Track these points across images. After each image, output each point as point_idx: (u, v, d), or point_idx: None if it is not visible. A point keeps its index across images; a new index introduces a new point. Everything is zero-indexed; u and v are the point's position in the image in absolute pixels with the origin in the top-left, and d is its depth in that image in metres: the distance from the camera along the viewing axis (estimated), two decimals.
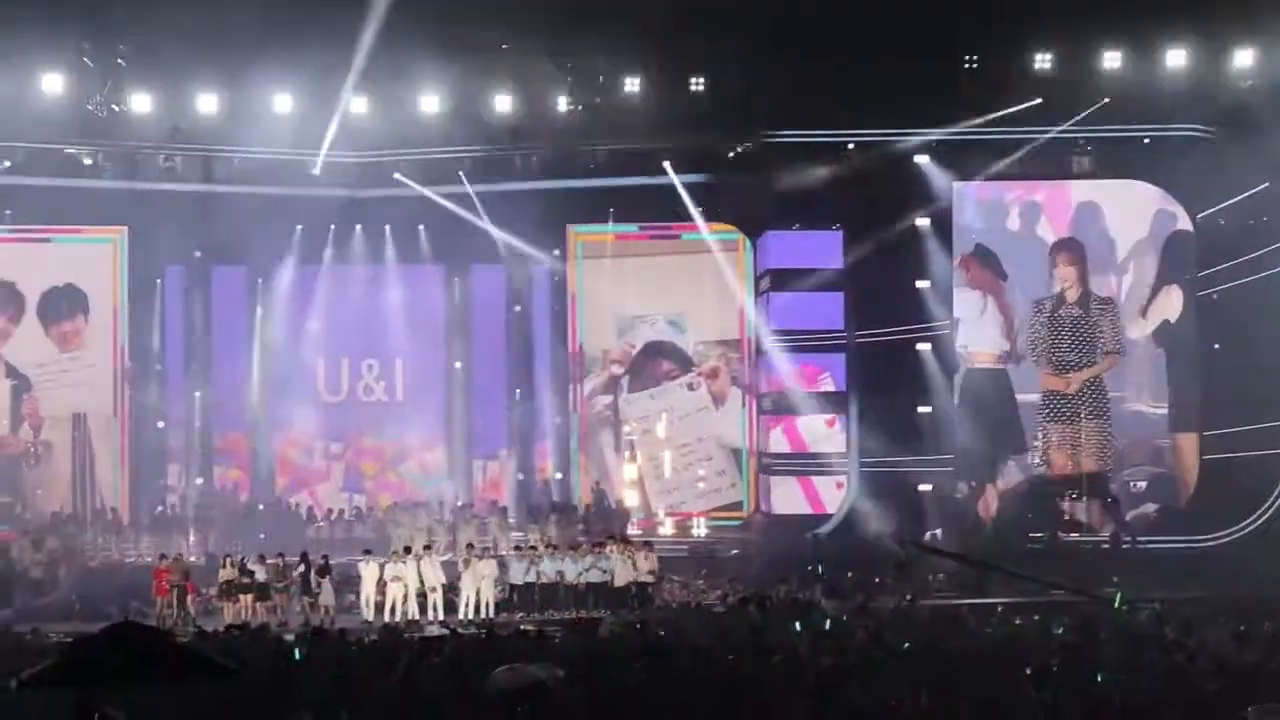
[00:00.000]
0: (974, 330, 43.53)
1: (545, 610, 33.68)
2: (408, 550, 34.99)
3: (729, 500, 45.52)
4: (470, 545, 36.31)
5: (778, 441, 44.71)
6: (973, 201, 43.71)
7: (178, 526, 41.73)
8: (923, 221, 42.92)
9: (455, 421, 46.32)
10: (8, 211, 43.68)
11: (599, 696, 18.32)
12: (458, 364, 46.25)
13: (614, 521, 41.59)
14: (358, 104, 40.56)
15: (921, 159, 42.40)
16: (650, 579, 34.87)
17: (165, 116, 40.92)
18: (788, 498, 44.34)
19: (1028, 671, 18.43)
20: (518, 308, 46.44)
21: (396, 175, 42.80)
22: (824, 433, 44.35)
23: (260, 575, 33.89)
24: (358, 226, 45.00)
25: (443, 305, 46.39)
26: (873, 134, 41.78)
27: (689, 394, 45.92)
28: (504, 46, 40.07)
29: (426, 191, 43.03)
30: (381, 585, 33.58)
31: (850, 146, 42.14)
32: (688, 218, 44.92)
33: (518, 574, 34.59)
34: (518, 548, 36.58)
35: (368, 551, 35.35)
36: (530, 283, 46.52)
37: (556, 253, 46.08)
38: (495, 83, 40.68)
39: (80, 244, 45.00)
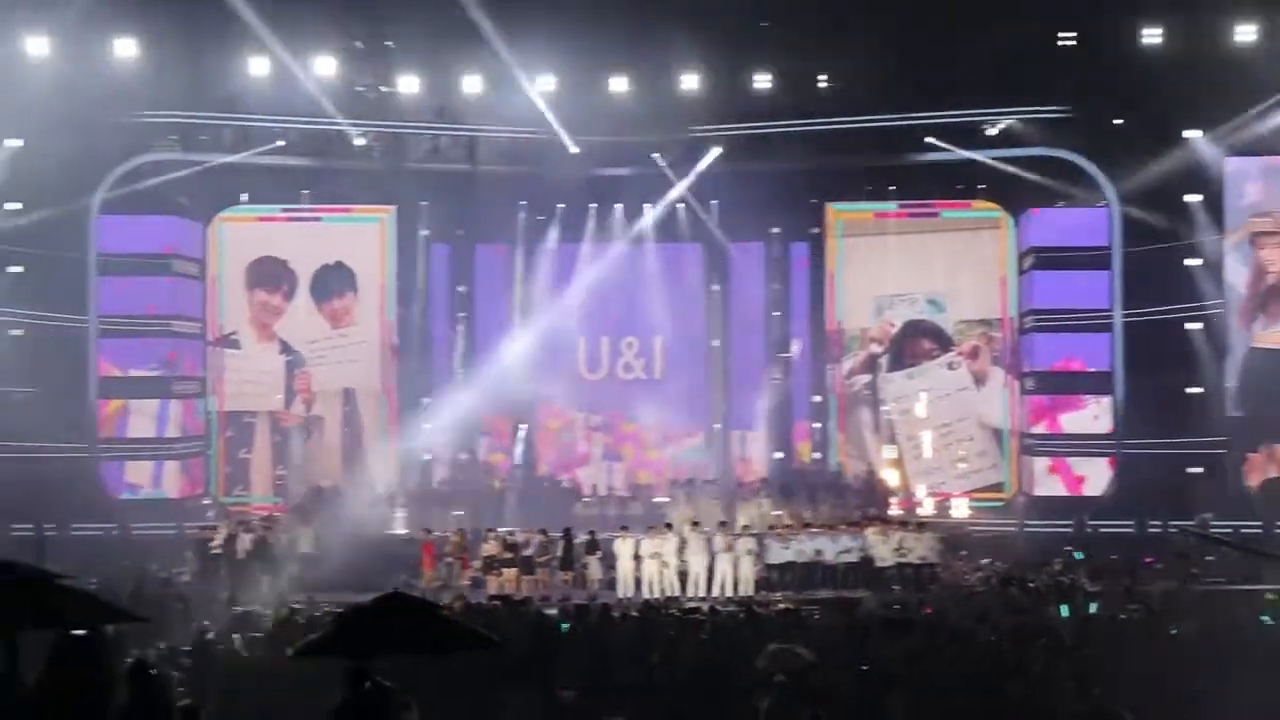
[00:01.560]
0: (1258, 310, 42.03)
1: (803, 590, 33.53)
2: (668, 526, 35.14)
3: (990, 481, 44.91)
4: (723, 523, 36.22)
5: (1040, 422, 43.93)
6: (1247, 177, 42.27)
7: (442, 501, 42.51)
8: (1193, 198, 41.67)
9: (713, 399, 46.45)
10: (244, 195, 44.97)
11: (857, 676, 18.22)
12: (715, 342, 46.38)
13: (874, 501, 41.27)
14: (617, 83, 40.81)
15: (1193, 133, 41.16)
16: (912, 559, 34.44)
17: (431, 97, 41.68)
18: (1050, 479, 43.52)
19: None
20: (776, 285, 46.44)
21: (655, 155, 43.08)
22: (1089, 413, 43.47)
23: (524, 550, 34.35)
24: (617, 205, 45.36)
25: (701, 283, 46.54)
26: None
27: (949, 373, 45.39)
28: (762, 24, 39.92)
29: (685, 169, 43.29)
30: (638, 561, 33.75)
31: (1117, 122, 41.06)
32: (949, 195, 44.51)
33: (776, 553, 34.51)
34: (773, 527, 36.50)
35: (624, 528, 35.58)
36: (789, 260, 46.49)
37: (815, 230, 45.98)
38: (754, 60, 40.59)
39: (350, 223, 46.10)
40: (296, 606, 26.52)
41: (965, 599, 29.55)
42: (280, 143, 42.66)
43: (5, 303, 41.32)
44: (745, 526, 36.20)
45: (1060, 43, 39.84)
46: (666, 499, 41.21)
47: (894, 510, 41.03)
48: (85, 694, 11.06)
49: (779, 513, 38.85)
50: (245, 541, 35.13)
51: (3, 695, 10.90)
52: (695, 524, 35.31)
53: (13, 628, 11.02)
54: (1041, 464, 43.72)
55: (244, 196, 45.10)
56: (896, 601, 28.85)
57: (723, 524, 35.99)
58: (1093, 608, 26.07)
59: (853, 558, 34.34)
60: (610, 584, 33.90)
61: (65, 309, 41.72)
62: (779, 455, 45.74)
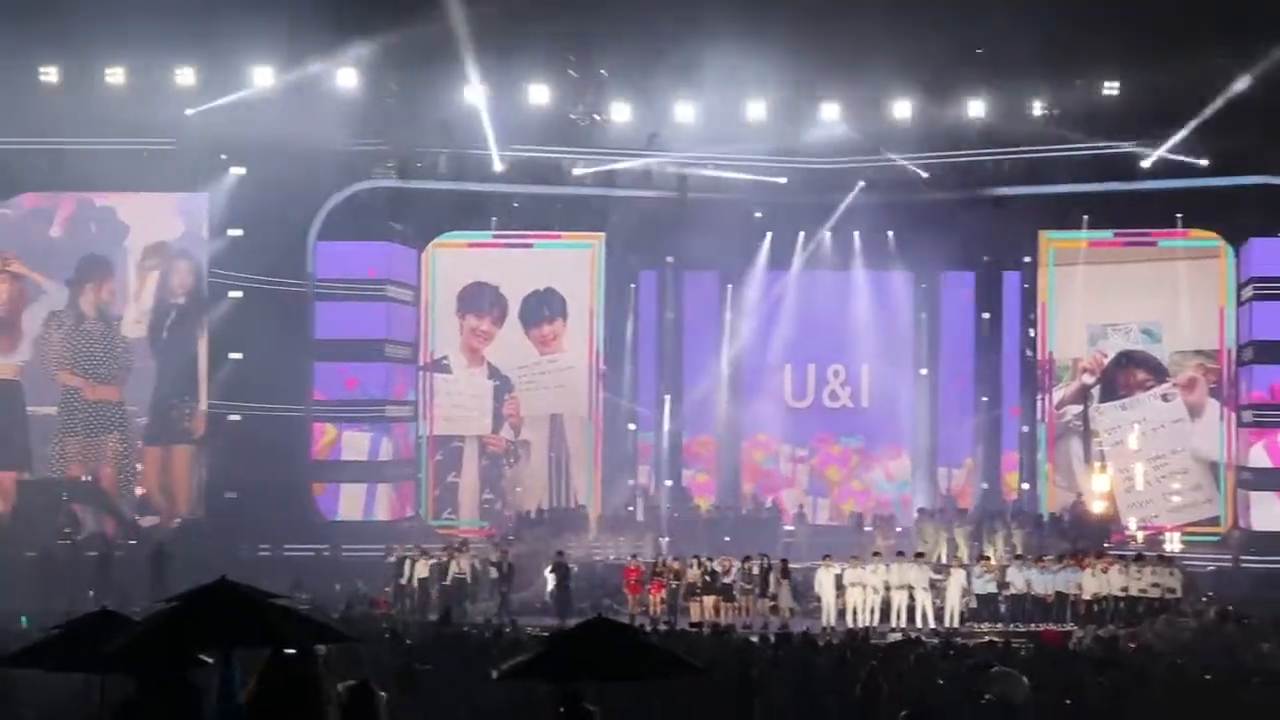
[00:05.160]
0: None
1: (1011, 622, 33.08)
2: (876, 554, 34.88)
3: (1205, 515, 43.79)
4: (920, 554, 35.68)
5: (1258, 456, 42.76)
6: None
7: (646, 527, 42.69)
8: None
9: (920, 429, 46.01)
10: (494, 218, 45.55)
11: (1064, 709, 17.97)
12: (923, 371, 45.98)
13: (1086, 534, 40.51)
14: (829, 110, 40.73)
15: None
16: (1126, 593, 33.72)
17: (643, 125, 41.87)
18: (1269, 514, 42.28)
19: None
20: (986, 315, 45.83)
21: (861, 182, 42.84)
22: None
23: (724, 577, 34.35)
24: (826, 233, 45.17)
25: (910, 312, 46.15)
26: None
27: (1163, 405, 44.42)
28: (978, 51, 39.57)
29: (893, 197, 43.00)
30: (841, 590, 33.55)
31: None
32: (1166, 224, 43.56)
33: (982, 584, 34.08)
34: (984, 557, 36.09)
35: (826, 556, 35.38)
36: (1000, 290, 45.88)
37: (1027, 259, 45.37)
38: (966, 88, 40.21)
39: (560, 249, 46.54)
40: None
41: (1178, 635, 28.95)
42: (498, 169, 43.06)
43: (225, 327, 42.51)
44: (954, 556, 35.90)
45: None
46: (917, 529, 40.47)
47: (1106, 544, 40.21)
48: (299, 712, 11.27)
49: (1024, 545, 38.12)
50: (425, 568, 35.49)
51: (224, 710, 11.16)
52: (927, 555, 35.14)
53: (227, 645, 11.27)
54: (1260, 498, 42.51)
55: (469, 222, 45.67)
56: (1107, 636, 28.33)
57: (920, 555, 35.48)
58: None
59: (1064, 590, 33.77)
60: (810, 612, 33.76)
61: (283, 334, 42.62)
62: (985, 486, 45.16)
